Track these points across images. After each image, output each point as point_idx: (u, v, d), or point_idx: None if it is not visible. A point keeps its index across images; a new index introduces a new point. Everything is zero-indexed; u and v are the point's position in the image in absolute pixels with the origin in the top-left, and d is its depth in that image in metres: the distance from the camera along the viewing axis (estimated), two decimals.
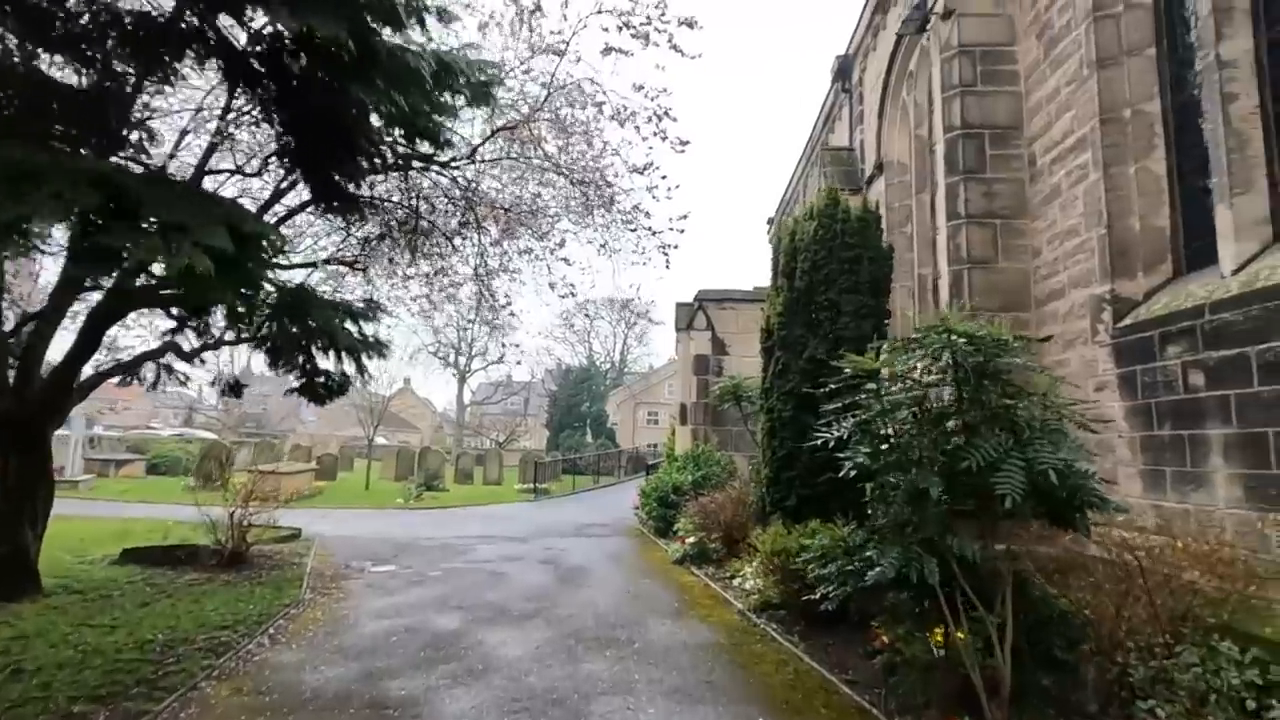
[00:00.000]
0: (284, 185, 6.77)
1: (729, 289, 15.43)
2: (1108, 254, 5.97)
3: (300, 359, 6.70)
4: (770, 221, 26.99)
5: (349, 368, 6.85)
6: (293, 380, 6.99)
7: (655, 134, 7.07)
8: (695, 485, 11.99)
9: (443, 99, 5.83)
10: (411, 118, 5.60)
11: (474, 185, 7.35)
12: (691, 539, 9.95)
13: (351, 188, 6.25)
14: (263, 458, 25.94)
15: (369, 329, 7.19)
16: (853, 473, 4.29)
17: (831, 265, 6.92)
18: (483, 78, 5.87)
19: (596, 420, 50.34)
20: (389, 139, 6.15)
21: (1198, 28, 5.34)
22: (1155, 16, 6.01)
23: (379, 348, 6.80)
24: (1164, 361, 5.22)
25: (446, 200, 7.29)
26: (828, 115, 16.91)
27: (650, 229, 7.69)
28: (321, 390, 7.06)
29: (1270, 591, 4.18)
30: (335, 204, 6.30)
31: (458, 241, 8.02)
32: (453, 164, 6.97)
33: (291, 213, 7.10)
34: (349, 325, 6.50)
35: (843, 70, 14.89)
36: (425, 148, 6.44)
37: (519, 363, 58.20)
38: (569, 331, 61.99)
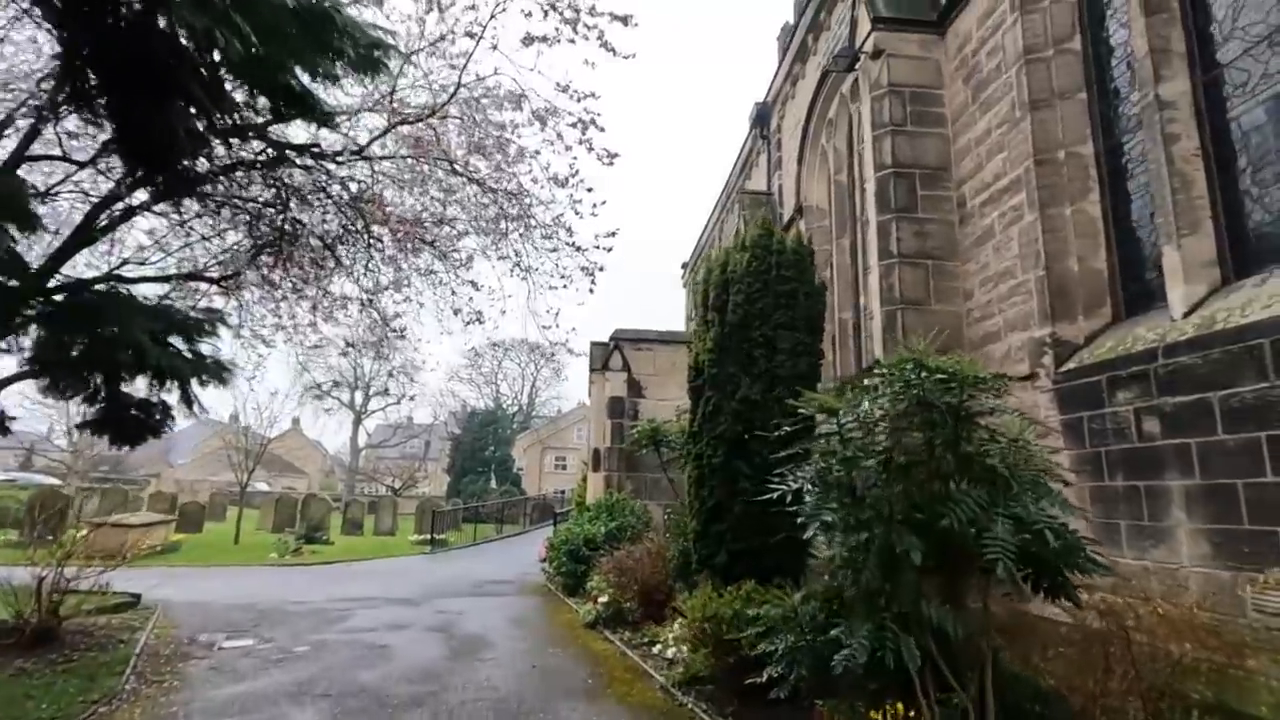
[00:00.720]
0: (125, 179, 5.54)
1: (645, 329, 14.88)
2: (1047, 296, 5.77)
3: (94, 384, 5.31)
4: (685, 266, 27.01)
5: (172, 396, 5.52)
6: (90, 412, 5.56)
7: (580, 142, 6.43)
8: (609, 537, 11.09)
9: (315, 59, 4.79)
10: (271, 71, 4.56)
11: (366, 188, 6.35)
12: (604, 598, 9.02)
13: (201, 174, 5.14)
14: (114, 507, 22.72)
15: (224, 344, 6.01)
16: (815, 534, 3.60)
17: (766, 299, 6.42)
18: (370, 39, 4.91)
19: (502, 465, 48.29)
20: (242, 99, 4.99)
21: (1135, 69, 5.30)
22: (1085, 62, 6.02)
23: (218, 372, 5.57)
24: (1114, 408, 4.95)
25: (333, 205, 6.26)
26: (745, 161, 17.03)
27: (574, 244, 6.97)
28: (131, 426, 5.65)
29: (1251, 661, 3.81)
30: (166, 179, 5.05)
31: (345, 255, 6.94)
32: (338, 158, 5.98)
33: (129, 212, 5.78)
34: (177, 342, 5.27)
35: (761, 117, 15.01)
36: (297, 131, 5.44)
37: (412, 397, 55.26)
38: (475, 373, 59.92)
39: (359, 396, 52.98)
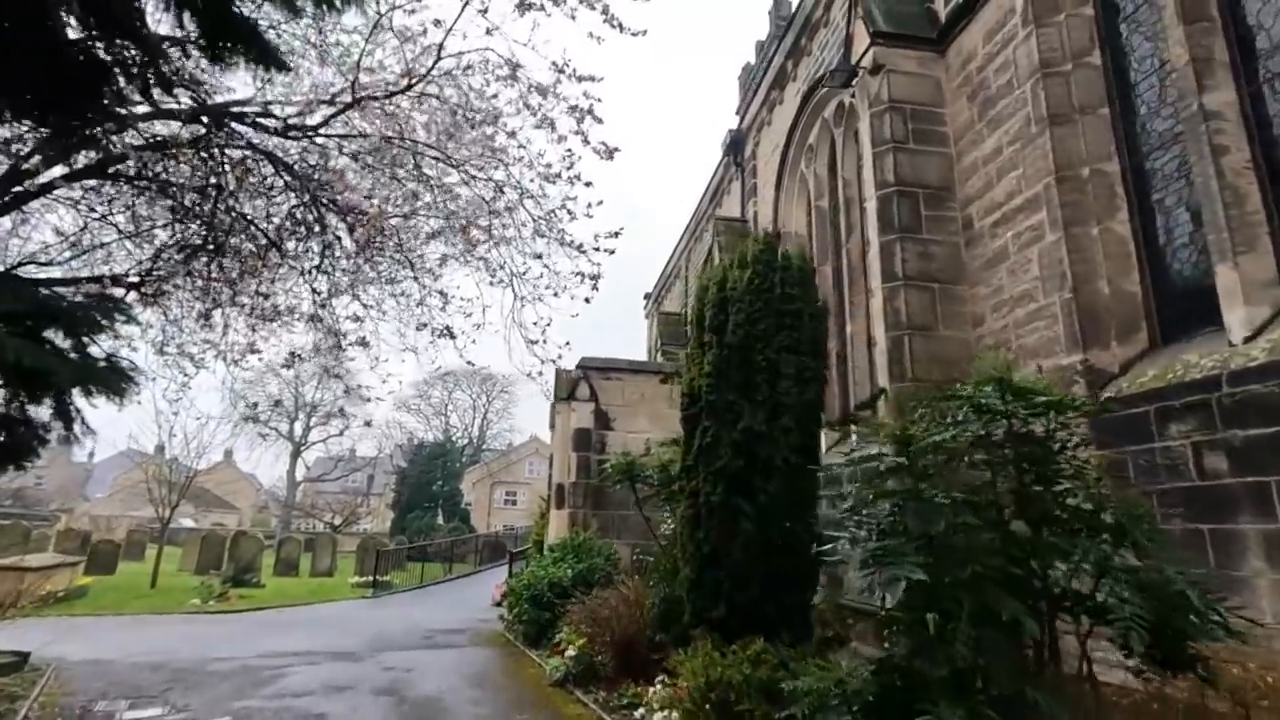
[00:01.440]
0: (26, 152, 4.59)
1: (614, 358, 14.19)
2: (1075, 320, 5.34)
3: None
4: (648, 297, 26.54)
5: (46, 410, 4.46)
6: None
7: (576, 133, 5.75)
8: (577, 581, 10.18)
9: None
10: None
11: (322, 167, 5.48)
12: (573, 651, 8.10)
13: (117, 152, 4.23)
14: (11, 546, 20.45)
15: (140, 359, 5.02)
16: (900, 596, 2.90)
17: (768, 320, 5.83)
18: None
19: (450, 501, 46.35)
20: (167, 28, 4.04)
21: (1171, 81, 5.00)
22: (1105, 76, 5.73)
23: (111, 380, 4.56)
24: (1166, 442, 4.48)
25: (282, 183, 5.34)
26: (716, 189, 16.73)
27: (571, 243, 6.20)
28: None
29: None
30: (71, 137, 4.07)
31: (293, 250, 6.04)
32: (289, 132, 5.10)
33: (22, 197, 4.76)
34: (57, 339, 4.27)
35: (735, 144, 14.75)
36: (242, 83, 4.51)
37: (368, 423, 52.94)
38: (425, 403, 57.92)
39: (299, 426, 50.37)
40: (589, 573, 10.46)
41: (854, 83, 7.61)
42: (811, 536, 5.61)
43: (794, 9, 11.50)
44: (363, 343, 6.64)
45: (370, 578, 20.22)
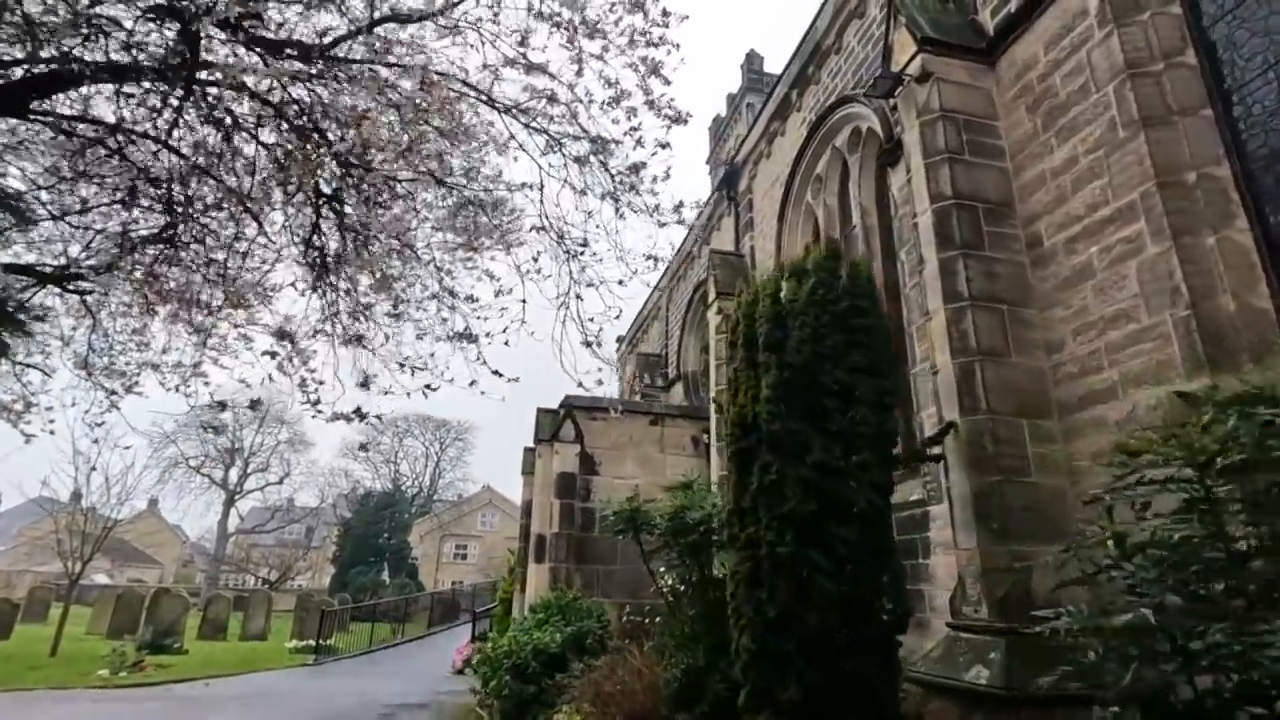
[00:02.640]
0: None
1: (600, 396, 13.15)
2: (1197, 341, 4.63)
3: None
4: (621, 340, 25.69)
5: None
6: None
7: (638, 85, 4.82)
8: (567, 647, 8.88)
9: None
10: None
11: (318, 105, 4.36)
12: None
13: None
14: None
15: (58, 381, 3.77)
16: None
17: (837, 335, 4.96)
18: None
19: (397, 555, 43.59)
20: None
21: None
22: (1204, 76, 5.21)
23: None
24: None
25: (272, 125, 4.20)
26: (705, 225, 16.14)
27: (652, 207, 5.08)
28: None
29: None
30: None
31: (279, 223, 4.92)
32: (288, 48, 4.03)
33: None
34: None
35: (729, 178, 14.24)
36: None
37: (286, 472, 49.85)
38: (373, 450, 55.08)
39: (234, 473, 47.06)
40: (579, 637, 9.17)
41: (896, 93, 7.04)
42: (897, 596, 4.64)
43: (802, 38, 11.14)
44: (357, 338, 5.47)
45: (311, 641, 18.14)
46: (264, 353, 6.27)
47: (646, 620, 10.03)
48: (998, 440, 5.54)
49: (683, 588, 8.69)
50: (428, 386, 5.11)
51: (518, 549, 15.84)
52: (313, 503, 54.59)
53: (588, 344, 5.18)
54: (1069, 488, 5.54)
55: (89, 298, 5.58)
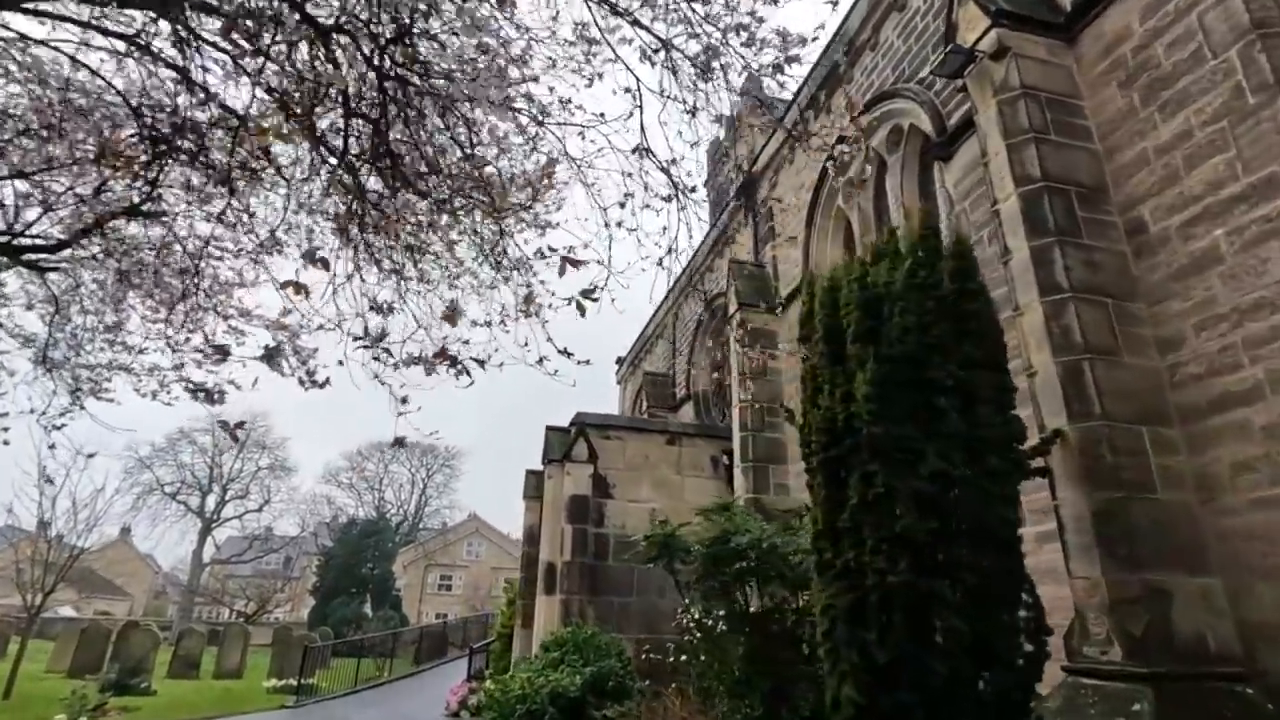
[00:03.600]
0: None
1: (611, 414, 12.33)
2: None
3: None
4: (621, 362, 24.90)
5: None
6: None
7: None
8: (588, 690, 7.92)
9: None
10: None
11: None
12: None
13: None
14: None
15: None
16: None
17: (944, 325, 4.20)
18: None
19: (381, 586, 41.84)
20: None
21: None
22: None
23: None
24: None
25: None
26: (718, 238, 15.50)
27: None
28: None
29: None
30: None
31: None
32: None
33: None
34: None
35: (746, 187, 13.64)
36: None
37: (266, 500, 48.07)
38: (357, 477, 53.54)
39: (211, 500, 45.31)
40: (600, 679, 8.22)
41: (966, 72, 6.42)
42: (1037, 634, 3.82)
43: (832, 37, 10.63)
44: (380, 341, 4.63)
45: (291, 680, 16.85)
46: (261, 356, 5.43)
47: (674, 659, 9.09)
48: (1116, 451, 4.78)
49: (714, 623, 7.81)
50: (481, 363, 4.26)
51: (518, 579, 14.80)
52: (293, 531, 52.71)
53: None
54: (1198, 505, 4.78)
55: (50, 276, 4.72)
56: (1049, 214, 5.48)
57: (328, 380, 5.77)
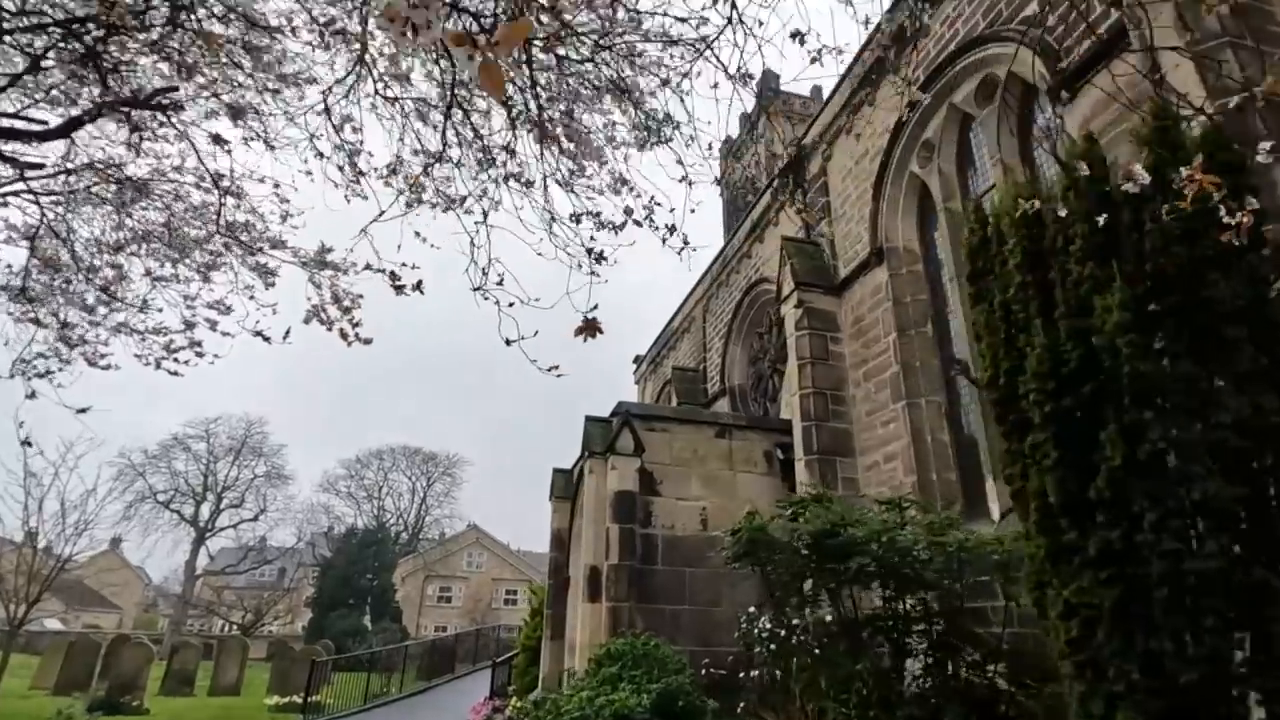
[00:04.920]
0: None
1: (656, 404, 11.28)
2: None
3: None
4: (639, 360, 23.89)
5: None
6: None
7: None
8: (657, 711, 6.84)
9: None
10: None
11: None
12: None
13: None
14: None
15: None
16: None
17: (1207, 241, 3.22)
18: None
19: (380, 597, 40.50)
20: None
21: None
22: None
23: None
24: None
25: None
26: (756, 223, 14.55)
27: None
28: None
29: None
30: None
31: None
32: None
33: None
34: None
35: (796, 163, 12.67)
36: None
37: (262, 509, 46.52)
38: (356, 485, 52.20)
39: (206, 509, 43.83)
40: (668, 698, 7.13)
41: None
42: None
43: None
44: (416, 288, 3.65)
45: (294, 697, 15.62)
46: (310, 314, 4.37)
47: (744, 675, 8.02)
48: None
49: (803, 632, 6.76)
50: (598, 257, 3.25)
51: (547, 587, 13.68)
52: (288, 542, 51.16)
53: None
54: None
55: (34, 185, 3.70)
56: None
57: (369, 340, 4.76)
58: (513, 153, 4.25)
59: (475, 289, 3.26)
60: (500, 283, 3.25)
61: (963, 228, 4.33)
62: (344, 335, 4.68)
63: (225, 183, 4.34)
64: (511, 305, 3.17)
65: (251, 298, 4.64)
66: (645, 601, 9.58)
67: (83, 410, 4.19)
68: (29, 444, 4.63)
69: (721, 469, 10.76)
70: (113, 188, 4.93)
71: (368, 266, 4.45)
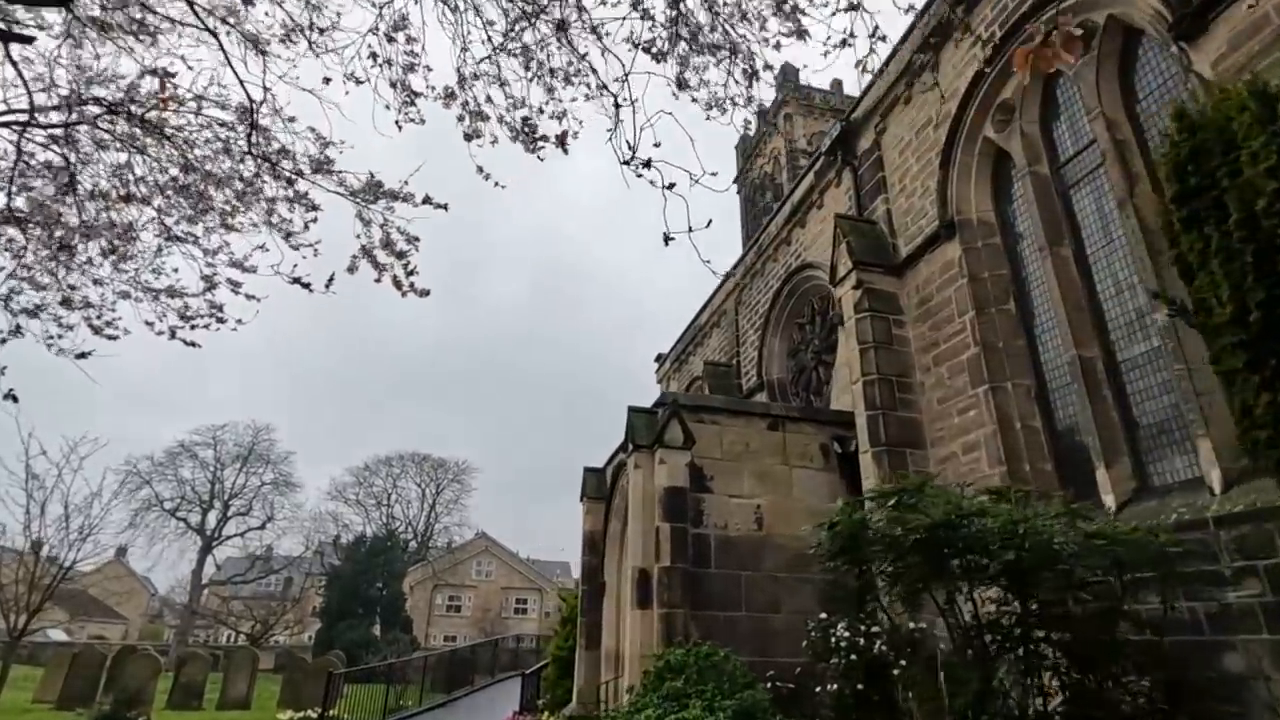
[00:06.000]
0: None
1: (705, 395, 10.48)
2: None
3: None
4: (661, 359, 23.11)
5: None
6: None
7: None
8: None
9: None
10: None
11: None
12: None
13: None
14: None
15: None
16: None
17: None
18: None
19: (390, 607, 39.59)
20: None
21: None
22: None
23: None
24: None
25: None
26: (798, 206, 13.76)
27: None
28: None
29: None
30: None
31: None
32: None
33: None
34: None
35: (843, 138, 11.89)
36: None
37: (269, 516, 45.61)
38: (364, 492, 51.39)
39: (213, 517, 43.08)
40: (745, 715, 6.28)
41: None
42: None
43: None
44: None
45: (309, 712, 14.78)
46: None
47: (819, 689, 7.17)
48: None
49: (904, 646, 5.95)
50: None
51: (579, 593, 12.84)
52: (295, 550, 50.27)
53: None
54: None
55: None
56: None
57: (426, 292, 3.98)
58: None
59: (624, 162, 2.50)
60: (648, 164, 2.48)
61: (1165, 141, 3.54)
62: (397, 284, 3.91)
63: (260, 98, 3.58)
64: (673, 186, 2.39)
65: (288, 235, 3.89)
66: (699, 608, 8.75)
67: (82, 356, 3.45)
68: (14, 398, 3.87)
69: (775, 464, 9.94)
70: (120, 123, 4.19)
71: (427, 200, 3.67)
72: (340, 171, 3.57)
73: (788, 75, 30.91)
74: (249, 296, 4.81)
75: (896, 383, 9.27)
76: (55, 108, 4.16)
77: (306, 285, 3.82)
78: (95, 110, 4.18)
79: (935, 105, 9.77)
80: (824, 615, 7.73)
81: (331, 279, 3.68)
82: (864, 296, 9.75)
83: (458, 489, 54.50)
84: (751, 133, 34.42)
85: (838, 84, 32.05)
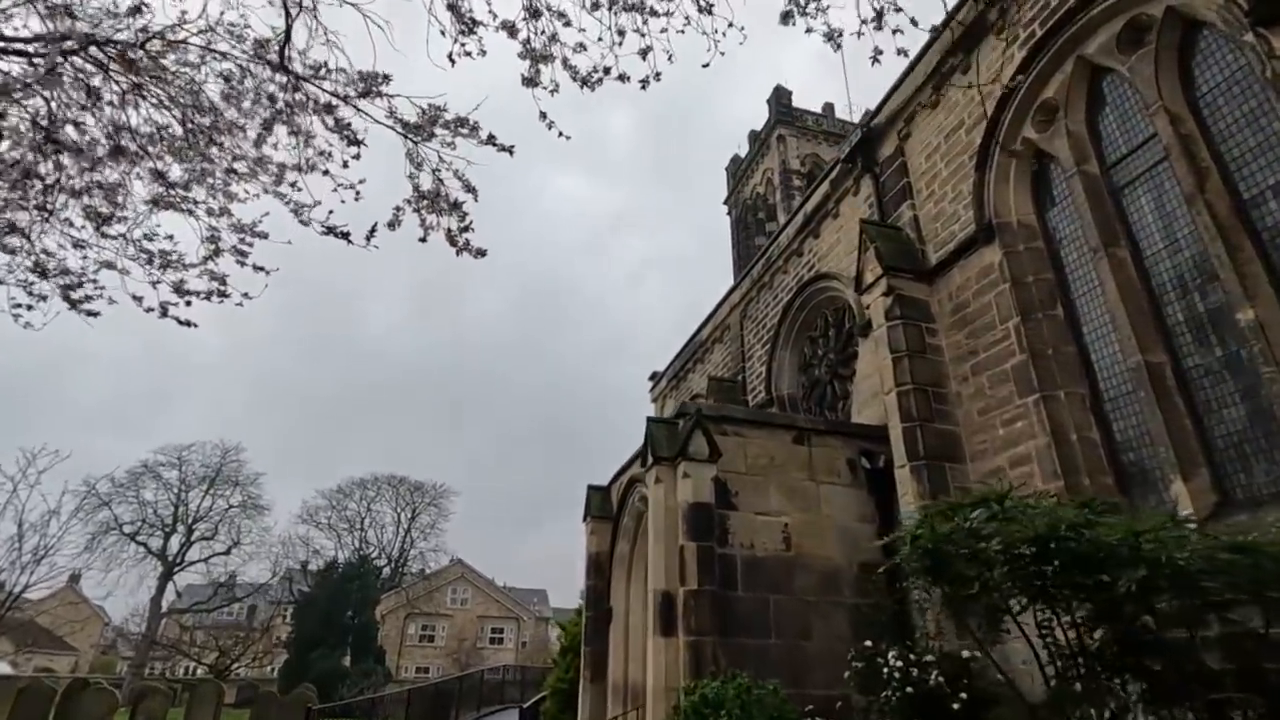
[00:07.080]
0: None
1: (728, 406, 9.88)
2: None
3: None
4: (655, 377, 22.50)
5: None
6: None
7: None
8: None
9: None
10: None
11: None
12: None
13: None
14: None
15: None
16: None
17: None
18: None
19: (362, 636, 37.87)
20: None
21: None
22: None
23: None
24: None
25: None
26: (811, 215, 13.35)
27: None
28: None
29: None
30: None
31: None
32: None
33: None
34: None
35: (864, 144, 11.54)
36: None
37: (235, 541, 43.61)
38: (337, 516, 49.55)
39: (175, 541, 40.99)
40: None
41: None
42: None
43: None
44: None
45: None
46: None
47: None
48: None
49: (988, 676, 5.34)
50: None
51: (583, 620, 12.01)
52: (262, 577, 48.08)
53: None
54: None
55: None
56: None
57: (483, 252, 3.35)
58: None
59: None
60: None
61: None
62: (451, 239, 3.28)
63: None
64: None
65: (326, 172, 3.25)
66: (727, 635, 8.04)
67: (22, 307, 2.69)
68: None
69: (802, 479, 9.35)
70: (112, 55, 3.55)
71: (491, 140, 3.06)
72: (394, 95, 2.95)
73: (780, 98, 31.03)
74: (257, 268, 4.13)
75: (934, 393, 8.78)
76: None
77: (345, 235, 3.17)
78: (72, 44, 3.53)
79: (966, 108, 9.45)
80: (869, 643, 7.12)
81: (374, 230, 3.05)
82: (895, 303, 9.28)
83: (434, 513, 52.85)
84: (743, 154, 34.49)
85: (829, 107, 32.25)
